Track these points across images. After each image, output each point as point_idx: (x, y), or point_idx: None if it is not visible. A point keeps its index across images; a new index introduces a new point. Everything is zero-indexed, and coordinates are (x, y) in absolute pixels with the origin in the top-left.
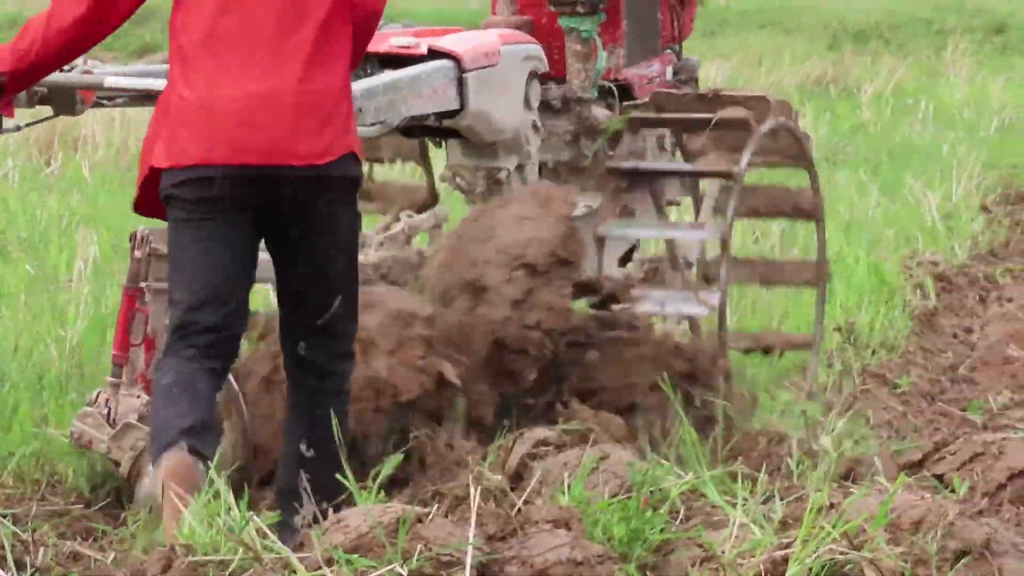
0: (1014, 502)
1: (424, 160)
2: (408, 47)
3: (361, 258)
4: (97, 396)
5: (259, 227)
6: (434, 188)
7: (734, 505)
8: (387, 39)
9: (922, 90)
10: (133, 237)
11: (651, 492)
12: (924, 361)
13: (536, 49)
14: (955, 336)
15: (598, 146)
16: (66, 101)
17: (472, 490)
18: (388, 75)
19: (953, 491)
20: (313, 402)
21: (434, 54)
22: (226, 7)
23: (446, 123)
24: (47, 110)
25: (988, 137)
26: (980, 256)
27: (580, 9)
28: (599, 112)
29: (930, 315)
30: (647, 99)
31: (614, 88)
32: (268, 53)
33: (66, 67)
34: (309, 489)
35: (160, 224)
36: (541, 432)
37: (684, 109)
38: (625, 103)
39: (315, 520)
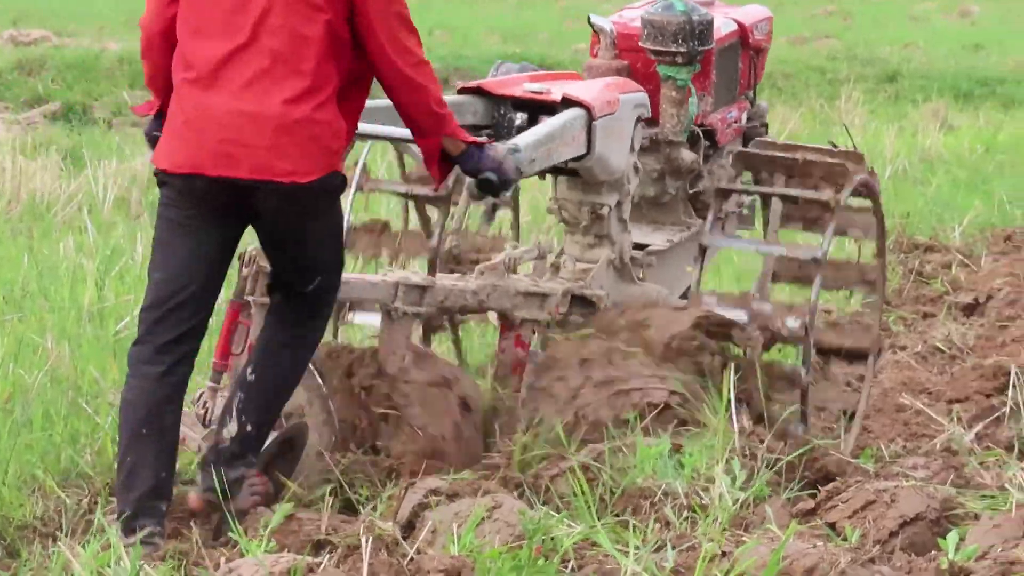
0: (905, 549)
1: (515, 202)
2: (541, 93)
3: (461, 284)
4: (200, 395)
5: (242, 225)
6: (518, 228)
7: (626, 554)
8: (519, 83)
9: (815, 139)
10: (242, 256)
11: (543, 541)
12: (817, 408)
13: (644, 97)
14: (848, 384)
15: (740, 199)
16: None
17: (363, 540)
18: (545, 127)
19: (845, 539)
20: (274, 340)
21: (567, 102)
22: (231, 30)
23: (571, 165)
24: None
25: (882, 185)
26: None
27: (679, 60)
28: (686, 154)
29: (824, 362)
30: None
31: (700, 132)
32: (262, 77)
33: None
34: (238, 409)
35: None
36: (433, 482)
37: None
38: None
39: (236, 437)
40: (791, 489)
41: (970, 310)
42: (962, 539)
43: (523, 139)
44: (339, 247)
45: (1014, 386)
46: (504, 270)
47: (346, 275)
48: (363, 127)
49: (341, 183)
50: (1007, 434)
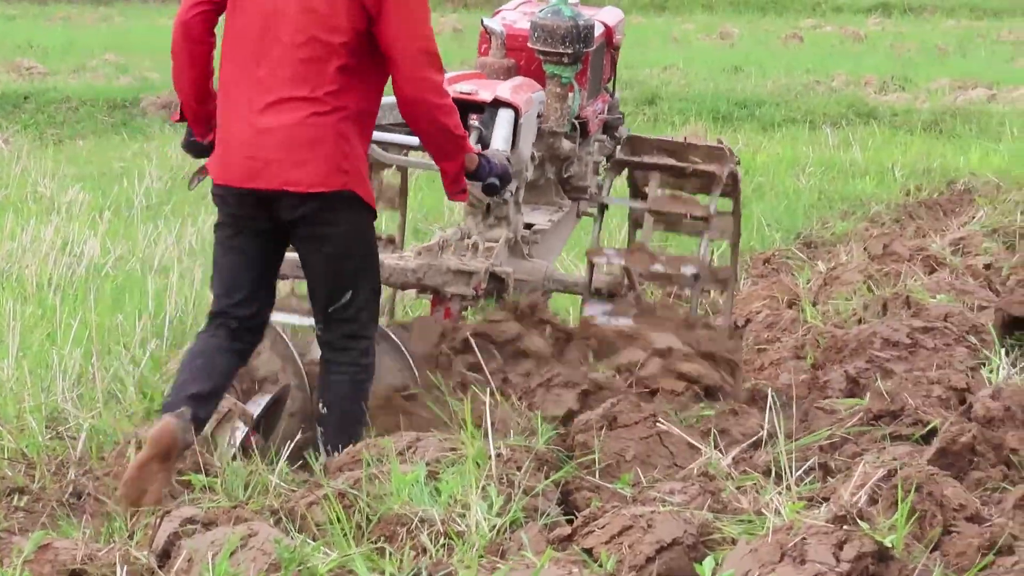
0: (663, 575)
1: (403, 199)
2: (470, 94)
3: (401, 264)
4: None
5: (277, 237)
6: (403, 228)
7: None
8: (449, 85)
9: None
10: None
11: (299, 569)
12: None
13: (543, 95)
14: None
15: (598, 181)
16: None
17: (119, 569)
18: (501, 128)
19: (601, 565)
20: (328, 371)
21: (497, 103)
22: (259, 56)
23: None
24: None
25: None
26: None
27: (565, 60)
28: (566, 144)
29: None
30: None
31: (576, 124)
32: (281, 98)
33: None
34: (322, 441)
35: None
36: (189, 510)
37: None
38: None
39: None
40: (547, 515)
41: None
42: (719, 564)
43: (500, 143)
44: (369, 267)
45: (771, 410)
46: (439, 250)
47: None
48: (380, 154)
49: (362, 205)
50: (764, 458)
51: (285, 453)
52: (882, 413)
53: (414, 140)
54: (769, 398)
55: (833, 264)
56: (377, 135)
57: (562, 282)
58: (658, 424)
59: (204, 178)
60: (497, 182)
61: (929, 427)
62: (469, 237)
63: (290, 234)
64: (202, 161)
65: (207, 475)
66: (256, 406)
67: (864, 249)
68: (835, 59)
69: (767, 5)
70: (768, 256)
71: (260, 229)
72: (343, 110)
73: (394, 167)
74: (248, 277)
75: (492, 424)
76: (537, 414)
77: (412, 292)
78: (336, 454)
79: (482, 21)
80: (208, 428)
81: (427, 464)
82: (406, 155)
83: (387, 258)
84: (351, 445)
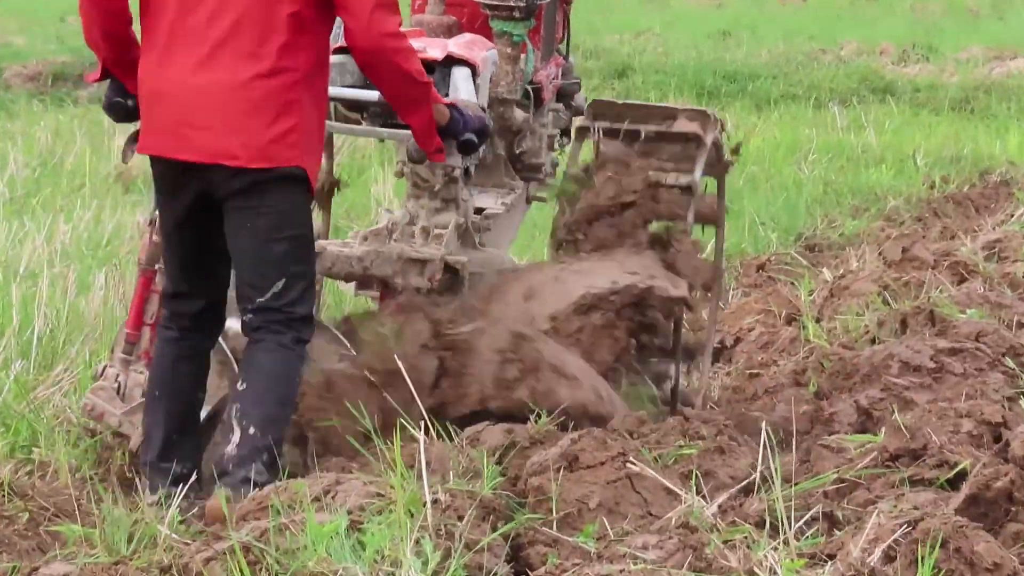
0: None
1: (329, 195)
2: (420, 52)
3: (346, 251)
4: (104, 370)
5: (210, 209)
6: (329, 228)
7: None
8: None
9: None
10: (152, 222)
11: None
12: None
13: (496, 54)
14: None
15: (554, 159)
16: None
17: None
18: (464, 82)
19: None
20: (256, 348)
21: (450, 60)
22: (187, 5)
23: None
24: None
25: None
26: None
27: (516, 14)
28: (518, 113)
29: None
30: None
31: (530, 90)
32: (218, 52)
33: None
34: (236, 418)
35: None
36: (61, 567)
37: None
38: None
39: (241, 443)
40: (495, 575)
41: (715, 355)
42: None
43: (469, 96)
44: (305, 250)
45: (765, 447)
46: (387, 235)
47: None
48: (337, 126)
49: (305, 184)
50: (757, 507)
51: (176, 498)
52: (900, 452)
53: (372, 94)
54: (763, 433)
55: (841, 272)
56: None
57: None
58: (628, 465)
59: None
60: (475, 138)
61: (957, 469)
62: (416, 222)
63: (221, 208)
64: (133, 127)
65: (83, 524)
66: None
67: (879, 253)
68: (844, 23)
69: None
70: (763, 262)
71: (192, 205)
72: (294, 71)
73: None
74: (192, 265)
75: (427, 464)
76: (482, 451)
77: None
78: (251, 431)
79: None
80: (133, 443)
81: (349, 512)
82: (362, 124)
83: (329, 245)
84: (270, 433)
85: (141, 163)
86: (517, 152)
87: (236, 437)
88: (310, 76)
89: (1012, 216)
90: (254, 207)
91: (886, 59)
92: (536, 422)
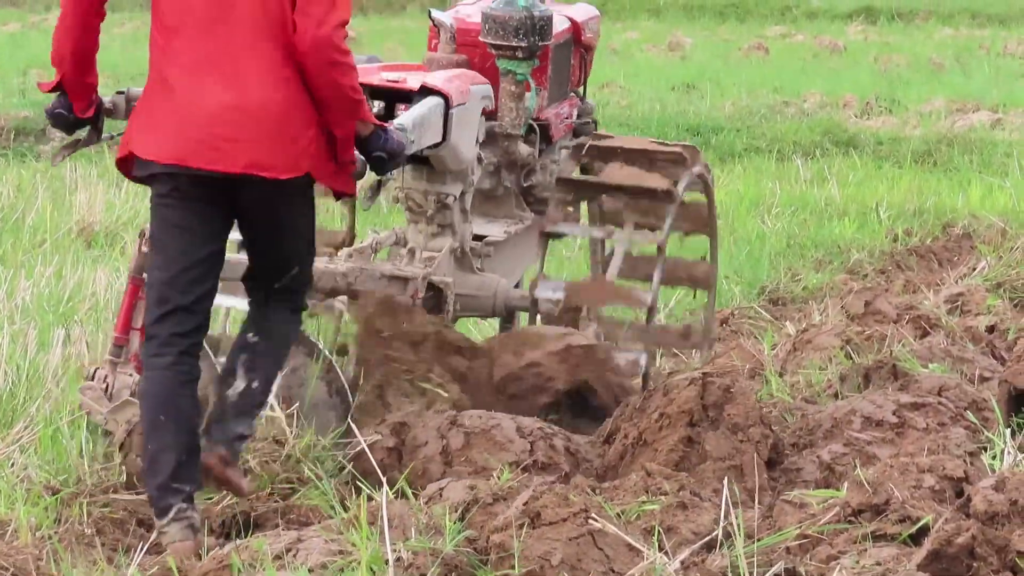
0: None
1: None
2: (397, 82)
3: (332, 267)
4: (94, 372)
5: (230, 218)
6: (354, 228)
7: None
8: (375, 72)
9: None
10: (142, 234)
11: None
12: None
13: (489, 89)
14: None
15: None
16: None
17: None
18: (417, 110)
19: None
20: (267, 310)
21: (425, 90)
22: (210, 30)
23: (426, 152)
24: None
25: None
26: None
27: (519, 54)
28: (523, 148)
29: None
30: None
31: (536, 126)
32: (240, 69)
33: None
34: (244, 367)
35: None
36: None
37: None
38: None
39: (243, 394)
40: None
41: None
42: None
43: (406, 119)
44: (313, 240)
45: (728, 503)
46: (371, 253)
47: (232, 255)
48: None
49: (314, 187)
50: (720, 563)
51: (137, 556)
52: (863, 507)
53: None
54: (725, 489)
55: (804, 325)
56: None
57: (516, 305)
58: (590, 521)
59: (70, 154)
60: (384, 156)
61: (919, 524)
62: (406, 244)
63: (239, 216)
64: (74, 136)
65: None
66: None
67: (842, 307)
68: (808, 75)
69: (726, 9)
70: (726, 316)
71: (212, 214)
72: (299, 76)
73: None
74: (195, 273)
75: (389, 521)
76: (444, 507)
77: None
78: (255, 384)
79: (430, 13)
80: (117, 439)
81: (310, 571)
82: None
83: (316, 261)
84: (269, 391)
85: (104, 218)
86: (526, 185)
87: (241, 387)
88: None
89: (974, 269)
90: (277, 215)
91: (849, 111)
92: (499, 479)
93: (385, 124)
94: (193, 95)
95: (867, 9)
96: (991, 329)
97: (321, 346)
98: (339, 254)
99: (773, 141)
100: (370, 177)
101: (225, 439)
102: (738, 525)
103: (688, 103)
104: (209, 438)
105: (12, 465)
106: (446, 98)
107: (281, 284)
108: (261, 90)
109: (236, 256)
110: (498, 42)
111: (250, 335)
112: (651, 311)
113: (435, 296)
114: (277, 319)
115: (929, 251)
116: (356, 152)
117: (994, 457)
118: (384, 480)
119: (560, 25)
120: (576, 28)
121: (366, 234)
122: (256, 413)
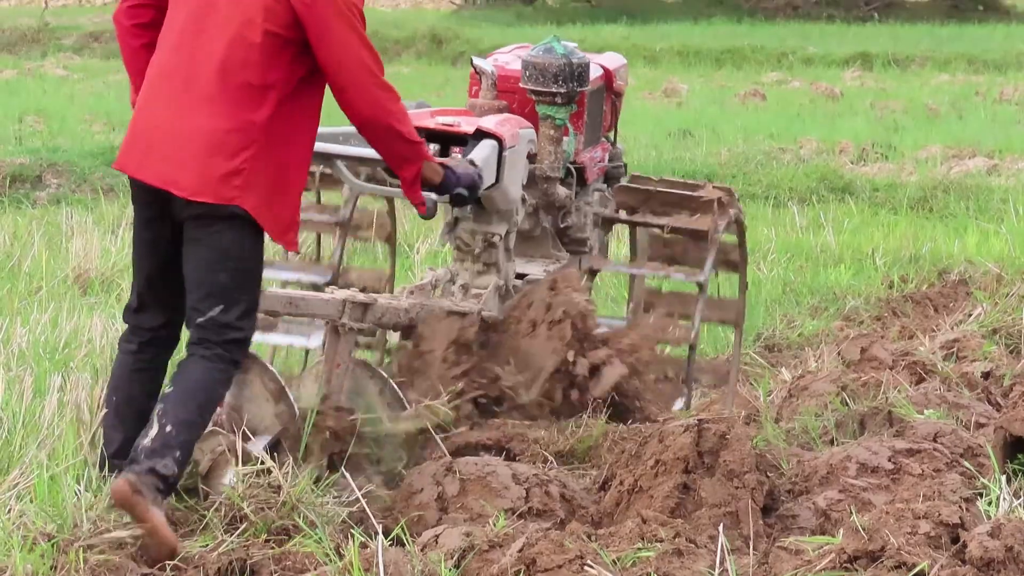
0: None
1: (392, 241)
2: (452, 125)
3: (395, 303)
4: None
5: (176, 231)
6: (394, 268)
7: None
8: (428, 117)
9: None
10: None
11: None
12: None
13: (534, 133)
14: None
15: (600, 236)
16: None
17: None
18: (482, 151)
19: None
20: (187, 359)
21: (480, 134)
22: (179, 47)
23: (481, 193)
24: None
25: None
26: None
27: (558, 100)
28: (561, 190)
29: None
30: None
31: (572, 169)
32: (194, 91)
33: None
34: (156, 416)
35: None
36: None
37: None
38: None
39: (155, 438)
40: None
41: None
42: None
43: (476, 156)
44: (246, 280)
45: (723, 550)
46: (431, 290)
47: (299, 292)
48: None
49: (250, 225)
50: None
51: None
52: (858, 554)
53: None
54: (721, 536)
55: (800, 372)
56: (336, 148)
57: None
58: (586, 568)
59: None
60: (465, 192)
61: (915, 571)
62: (456, 280)
63: (177, 232)
64: None
65: None
66: (255, 446)
67: (838, 354)
68: (804, 121)
69: (722, 56)
70: (721, 362)
71: (159, 225)
72: (253, 121)
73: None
74: (158, 280)
75: (384, 568)
76: (439, 554)
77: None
78: (168, 428)
79: (472, 61)
80: (203, 467)
81: None
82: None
83: (380, 297)
84: (184, 434)
85: (99, 264)
86: (563, 226)
87: (153, 432)
88: (273, 128)
89: (970, 316)
90: (199, 238)
91: (845, 158)
92: (495, 525)
93: (446, 162)
94: (145, 105)
95: (863, 55)
96: (987, 375)
97: (386, 376)
98: (401, 291)
99: (769, 187)
100: (440, 215)
101: (139, 470)
102: (734, 572)
103: (684, 149)
104: (126, 465)
105: (8, 512)
106: (500, 141)
107: (203, 322)
108: (202, 116)
109: (282, 292)
110: (538, 88)
111: (167, 387)
112: (692, 348)
113: (486, 330)
114: (196, 370)
115: (925, 297)
116: (429, 194)
117: (990, 503)
118: (379, 527)
119: (594, 73)
120: (608, 76)
121: (424, 272)
122: (173, 455)
